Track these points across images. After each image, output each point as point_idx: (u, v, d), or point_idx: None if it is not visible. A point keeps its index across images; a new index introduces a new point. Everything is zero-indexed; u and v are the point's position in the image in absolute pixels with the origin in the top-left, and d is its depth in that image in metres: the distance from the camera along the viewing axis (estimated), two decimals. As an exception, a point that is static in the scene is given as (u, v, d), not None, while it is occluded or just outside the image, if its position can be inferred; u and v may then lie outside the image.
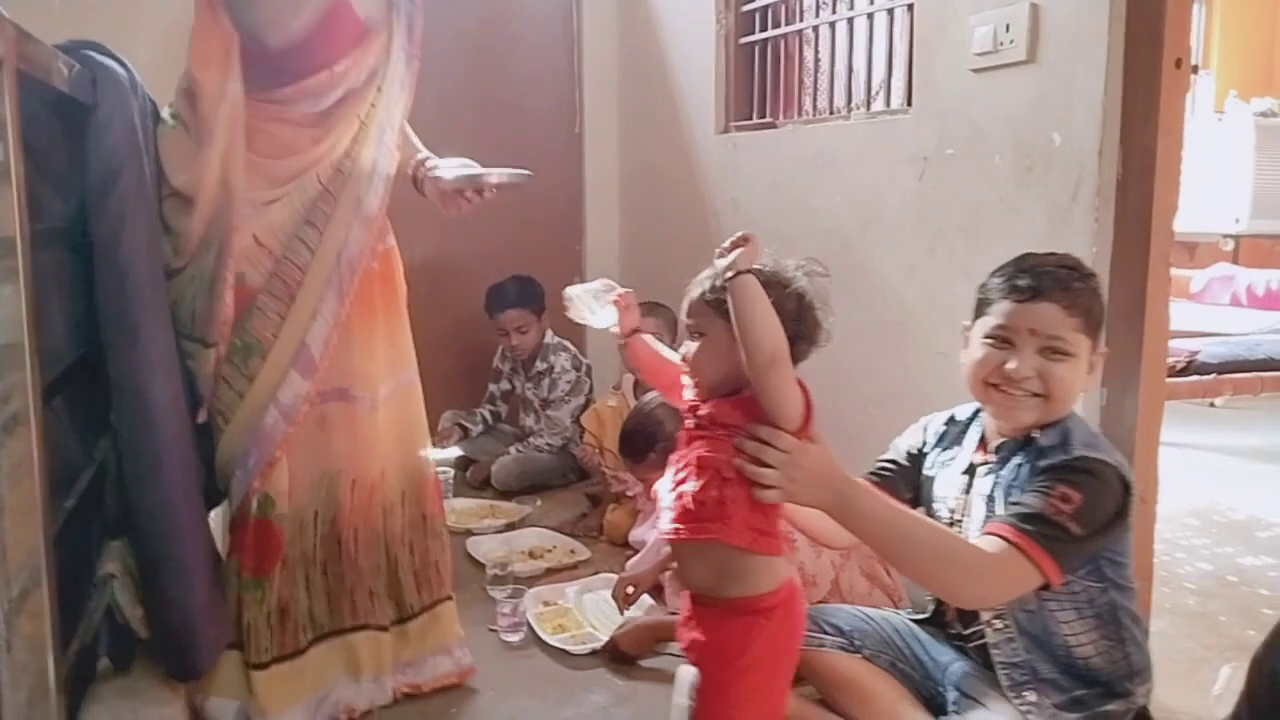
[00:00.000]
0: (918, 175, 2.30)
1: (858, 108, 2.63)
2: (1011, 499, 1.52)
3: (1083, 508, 1.43)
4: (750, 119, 3.08)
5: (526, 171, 1.93)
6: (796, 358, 1.39)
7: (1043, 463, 1.51)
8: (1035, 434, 1.55)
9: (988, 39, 2.06)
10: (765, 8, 3.00)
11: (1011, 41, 2.01)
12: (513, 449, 3.34)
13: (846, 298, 2.66)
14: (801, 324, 1.42)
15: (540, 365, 3.39)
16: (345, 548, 1.86)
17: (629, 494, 2.81)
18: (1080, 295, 1.53)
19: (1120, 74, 1.83)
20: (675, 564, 2.26)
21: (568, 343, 3.45)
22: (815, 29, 2.81)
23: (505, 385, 3.53)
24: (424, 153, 2.02)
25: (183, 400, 1.62)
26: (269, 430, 1.74)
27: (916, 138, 2.30)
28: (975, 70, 2.11)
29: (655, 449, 2.34)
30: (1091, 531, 1.44)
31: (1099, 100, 1.84)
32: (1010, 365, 1.53)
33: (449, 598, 2.02)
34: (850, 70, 2.67)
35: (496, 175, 1.91)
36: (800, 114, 2.88)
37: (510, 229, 3.53)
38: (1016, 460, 1.57)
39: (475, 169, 1.94)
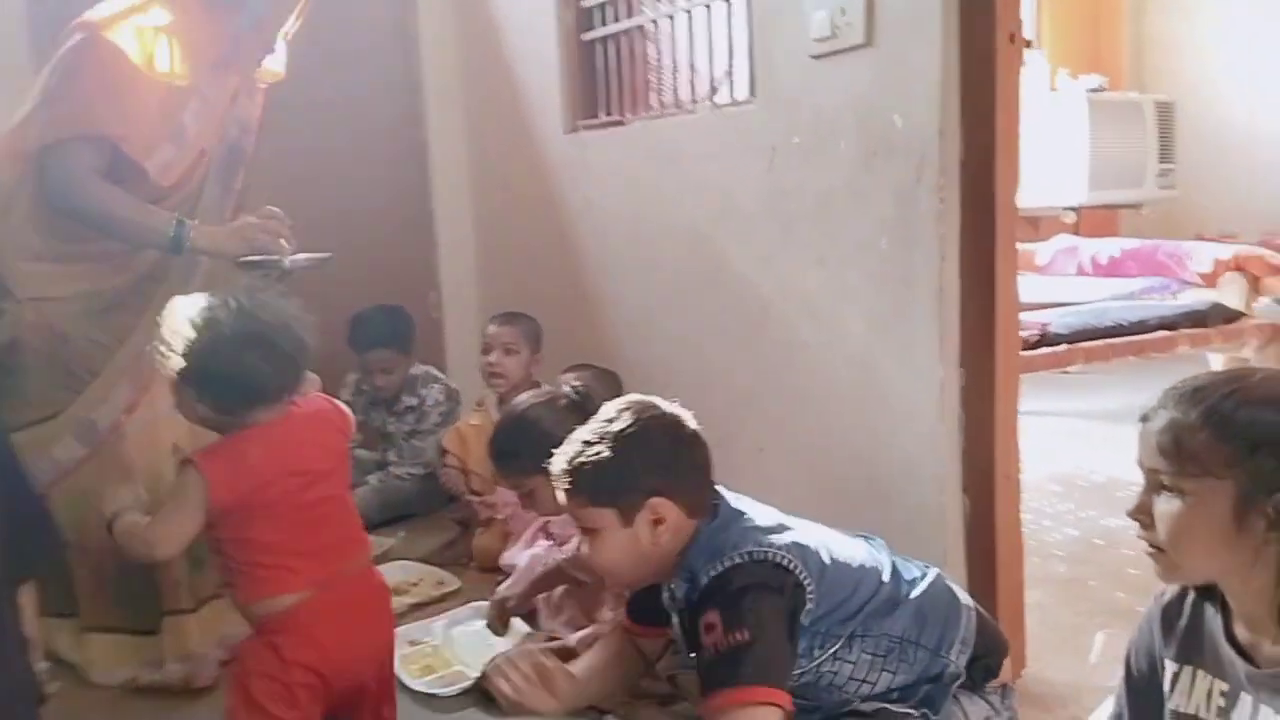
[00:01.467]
0: (766, 166, 2.26)
1: (702, 101, 2.57)
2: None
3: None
4: (597, 117, 3.00)
5: (327, 255, 2.04)
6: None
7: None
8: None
9: (825, 24, 2.02)
10: (604, 4, 2.92)
11: (849, 25, 1.97)
12: (371, 479, 3.16)
13: (705, 293, 2.60)
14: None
15: (408, 400, 3.22)
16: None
17: (498, 516, 2.68)
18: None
19: (956, 52, 1.82)
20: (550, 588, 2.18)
21: (435, 370, 3.30)
22: (655, 22, 2.74)
23: (359, 417, 3.33)
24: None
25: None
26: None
27: (763, 128, 2.26)
28: (816, 57, 2.08)
29: (530, 454, 2.12)
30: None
31: (937, 80, 1.82)
32: None
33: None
34: (692, 64, 2.61)
35: (290, 261, 1.97)
36: (647, 110, 2.82)
37: (357, 242, 3.33)
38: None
39: (267, 243, 1.98)
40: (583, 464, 1.50)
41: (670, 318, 2.67)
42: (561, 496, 1.54)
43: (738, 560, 1.43)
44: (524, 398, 2.33)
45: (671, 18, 2.67)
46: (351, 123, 3.45)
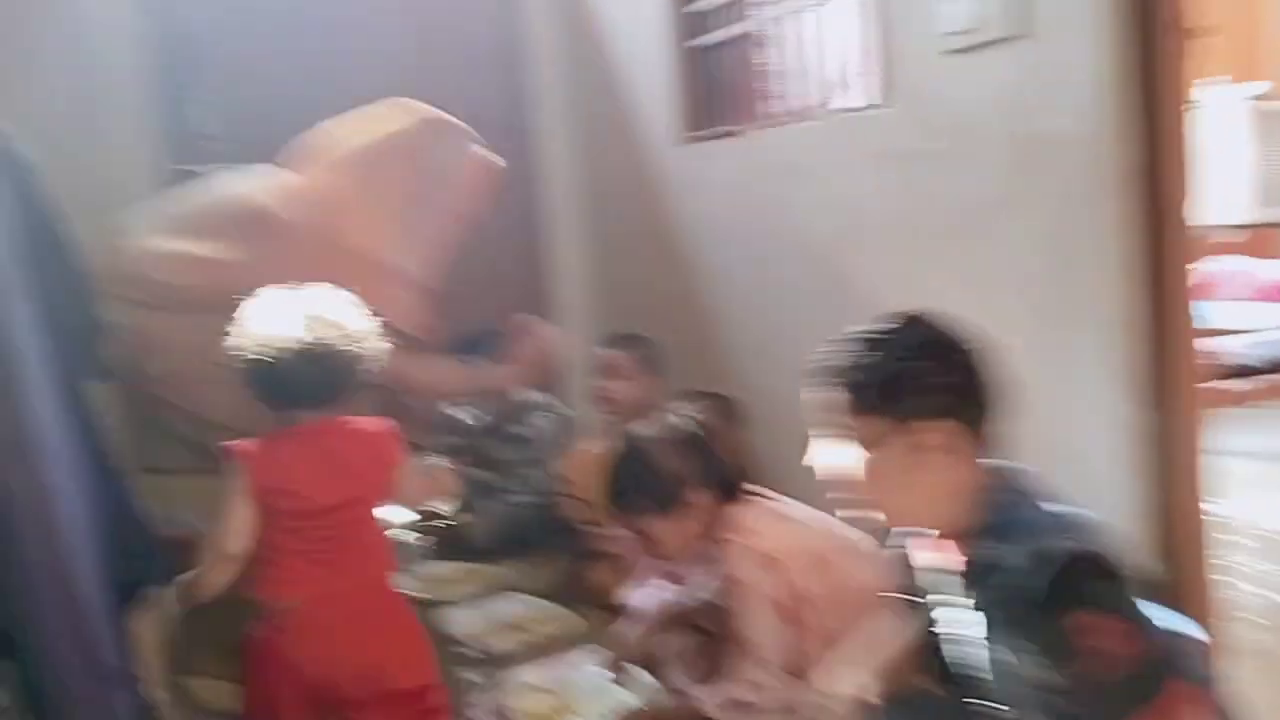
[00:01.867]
0: (899, 176, 2.04)
1: (824, 107, 2.36)
2: None
3: None
4: (709, 128, 2.82)
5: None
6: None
7: None
8: None
9: (962, 16, 1.81)
10: (715, 9, 2.75)
11: (991, 16, 1.76)
12: (485, 504, 3.02)
13: (830, 314, 2.39)
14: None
15: (514, 428, 3.08)
16: None
17: (616, 551, 2.51)
18: None
19: (1121, 43, 1.58)
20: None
21: (545, 398, 3.15)
22: (769, 25, 2.56)
23: (467, 440, 3.21)
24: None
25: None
26: None
27: (894, 134, 2.05)
28: (952, 53, 1.86)
29: (643, 492, 1.93)
30: None
31: (1100, 75, 1.60)
32: None
33: None
34: (812, 68, 2.41)
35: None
36: (763, 119, 2.62)
37: (464, 260, 3.23)
38: None
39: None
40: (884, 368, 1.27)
41: (793, 342, 2.45)
42: (836, 399, 1.30)
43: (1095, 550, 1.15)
44: (635, 429, 2.16)
45: (785, 19, 2.50)
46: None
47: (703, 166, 2.79)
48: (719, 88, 2.80)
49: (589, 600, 2.56)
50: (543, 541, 2.98)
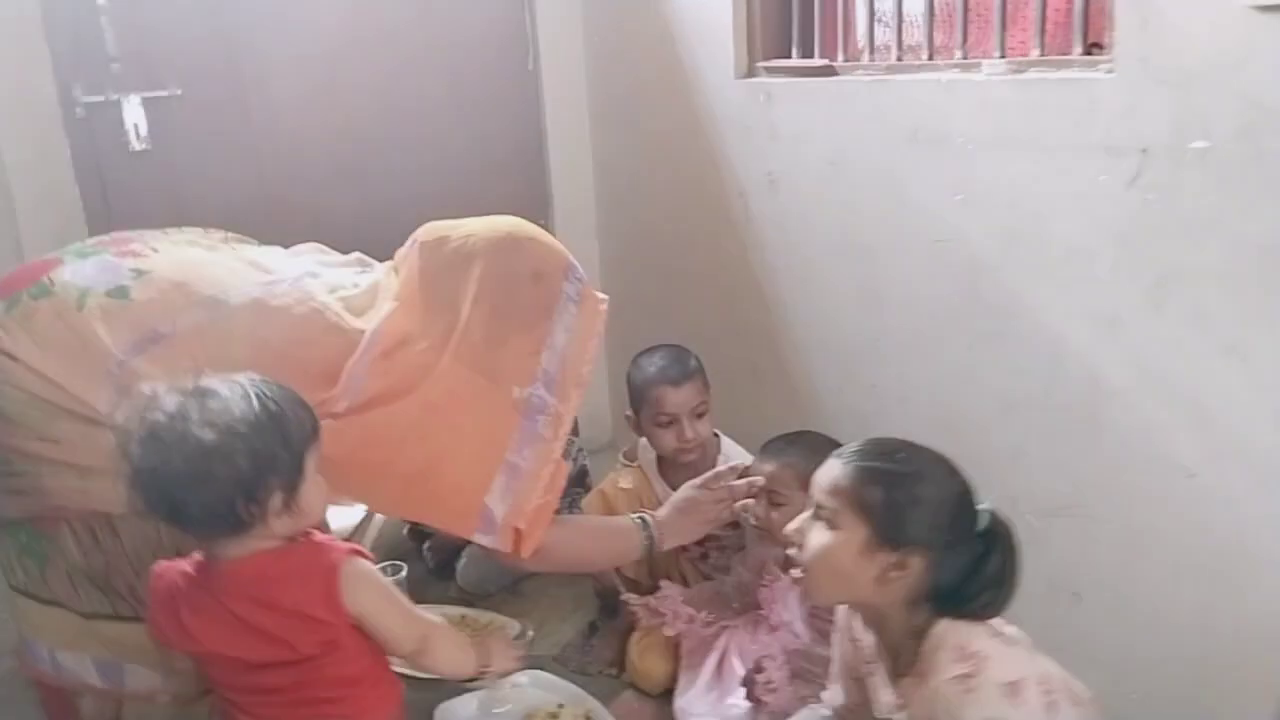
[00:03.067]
0: (1127, 177, 1.40)
1: (992, 57, 1.68)
2: None
3: None
4: (790, 56, 2.12)
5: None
6: None
7: None
8: None
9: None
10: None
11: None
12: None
13: (977, 350, 1.70)
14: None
15: None
16: None
17: (664, 629, 1.97)
18: None
19: None
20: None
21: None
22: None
23: None
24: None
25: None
26: None
27: (1126, 114, 1.40)
28: (1264, 9, 1.20)
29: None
30: None
31: None
32: None
33: None
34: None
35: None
36: (877, 55, 1.93)
37: (458, 194, 2.52)
38: None
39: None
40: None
41: (917, 375, 1.86)
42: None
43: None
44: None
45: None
46: (450, 47, 2.59)
47: (777, 110, 2.08)
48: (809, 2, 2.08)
49: (618, 674, 2.02)
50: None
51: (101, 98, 2.13)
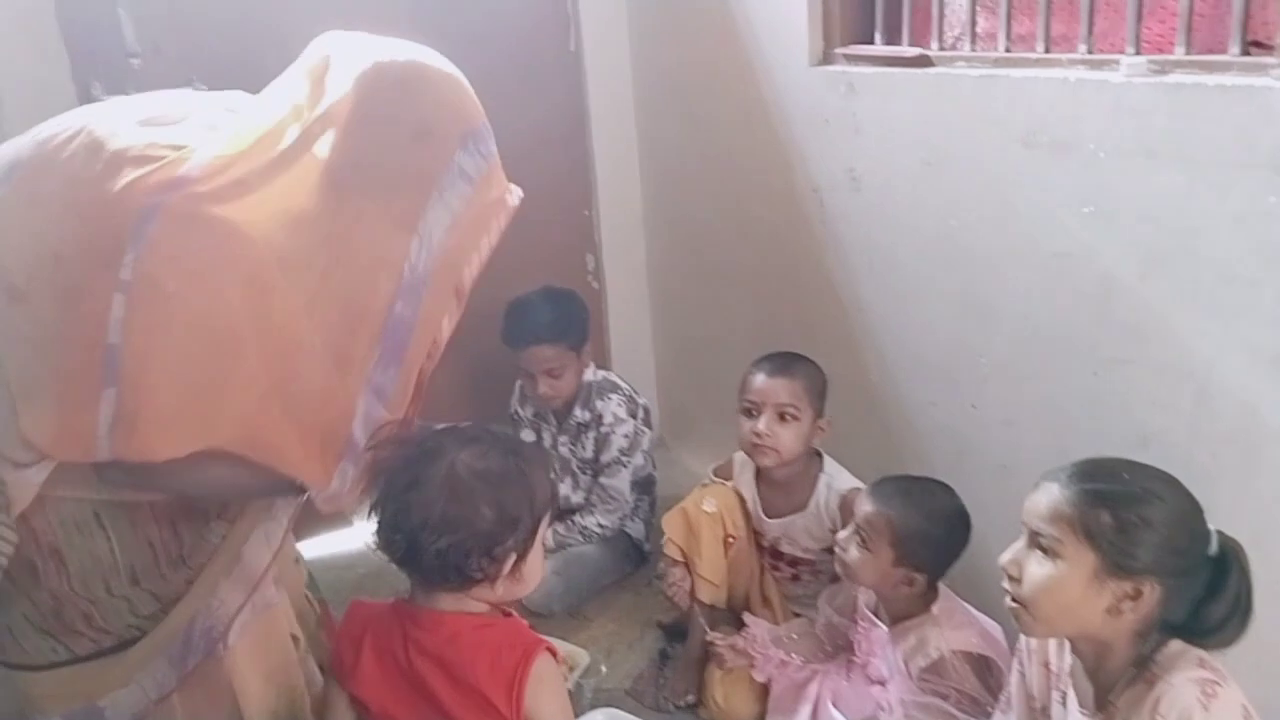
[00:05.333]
0: (1307, 199, 1.25)
1: (1132, 58, 1.50)
2: None
3: None
4: (873, 43, 1.94)
5: None
6: None
7: None
8: None
9: None
10: None
11: None
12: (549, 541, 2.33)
13: (1104, 376, 1.53)
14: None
15: (580, 414, 2.33)
16: None
17: (752, 671, 1.85)
18: None
19: None
20: None
21: (615, 378, 2.39)
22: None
23: (530, 434, 2.46)
24: None
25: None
26: None
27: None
28: None
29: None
30: None
31: None
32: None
33: None
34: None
35: None
36: (979, 44, 1.75)
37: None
38: None
39: None
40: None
41: (1027, 398, 1.71)
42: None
43: None
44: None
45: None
46: (486, 26, 2.40)
47: (860, 102, 1.91)
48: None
49: (695, 706, 1.92)
50: (618, 576, 2.33)
51: (121, 95, 1.96)
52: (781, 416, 1.83)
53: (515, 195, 1.31)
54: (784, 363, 1.87)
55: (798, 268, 2.17)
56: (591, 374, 2.34)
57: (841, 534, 1.68)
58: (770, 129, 2.14)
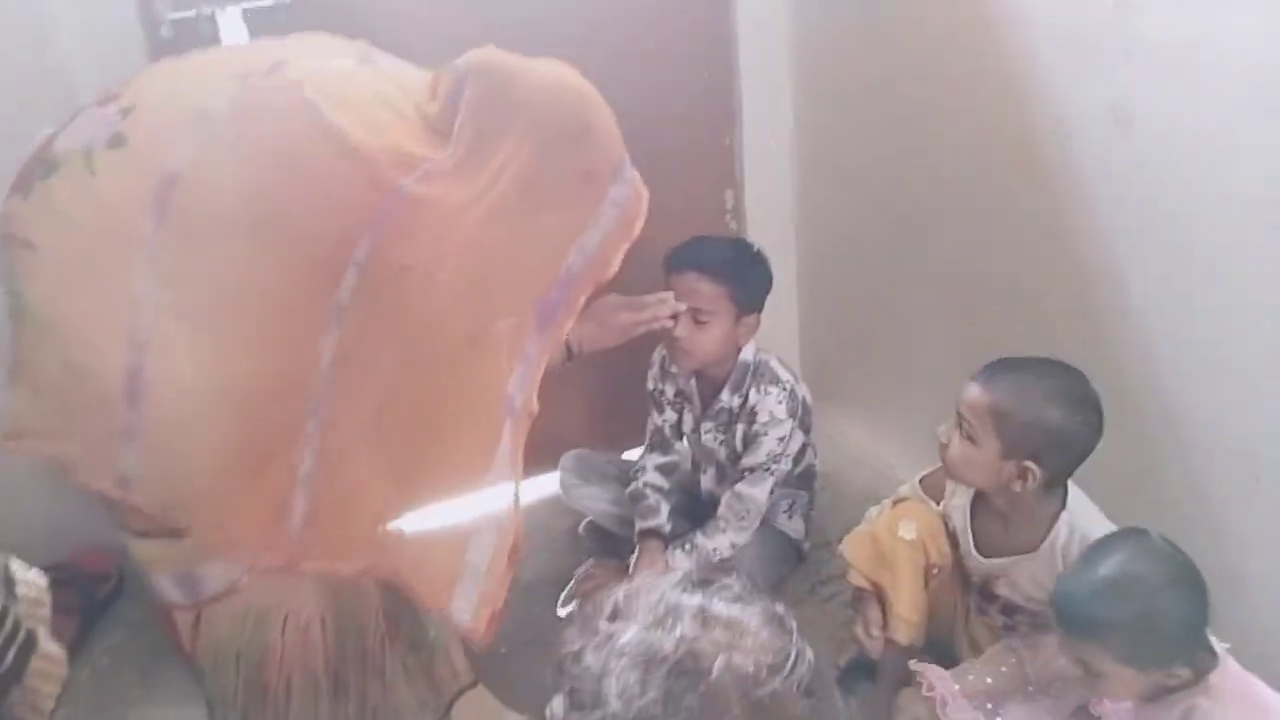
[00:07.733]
0: None
1: None
2: None
3: None
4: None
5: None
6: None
7: None
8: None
9: None
10: None
11: None
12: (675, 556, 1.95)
13: None
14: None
15: (728, 399, 1.92)
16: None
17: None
18: None
19: None
20: None
21: (777, 364, 1.95)
22: None
23: (671, 416, 2.06)
24: None
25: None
26: None
27: None
28: None
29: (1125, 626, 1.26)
30: None
31: None
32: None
33: None
34: None
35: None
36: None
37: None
38: None
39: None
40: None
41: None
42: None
43: None
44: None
45: None
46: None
47: (1150, 20, 1.39)
48: None
49: None
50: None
51: (192, 12, 1.73)
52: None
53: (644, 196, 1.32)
54: (996, 371, 1.49)
55: (1019, 229, 1.70)
56: (751, 354, 1.91)
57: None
58: (991, 40, 1.64)
